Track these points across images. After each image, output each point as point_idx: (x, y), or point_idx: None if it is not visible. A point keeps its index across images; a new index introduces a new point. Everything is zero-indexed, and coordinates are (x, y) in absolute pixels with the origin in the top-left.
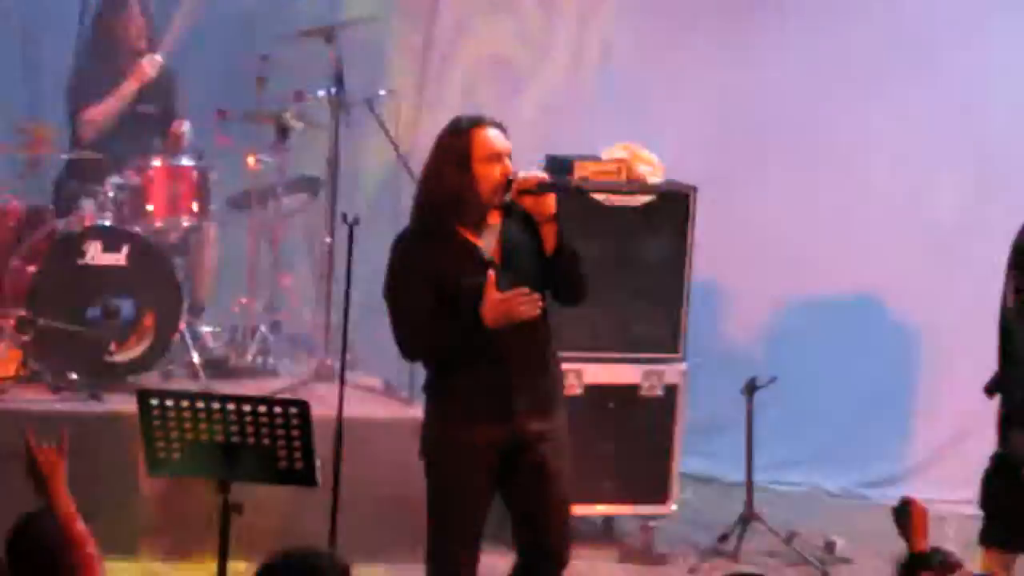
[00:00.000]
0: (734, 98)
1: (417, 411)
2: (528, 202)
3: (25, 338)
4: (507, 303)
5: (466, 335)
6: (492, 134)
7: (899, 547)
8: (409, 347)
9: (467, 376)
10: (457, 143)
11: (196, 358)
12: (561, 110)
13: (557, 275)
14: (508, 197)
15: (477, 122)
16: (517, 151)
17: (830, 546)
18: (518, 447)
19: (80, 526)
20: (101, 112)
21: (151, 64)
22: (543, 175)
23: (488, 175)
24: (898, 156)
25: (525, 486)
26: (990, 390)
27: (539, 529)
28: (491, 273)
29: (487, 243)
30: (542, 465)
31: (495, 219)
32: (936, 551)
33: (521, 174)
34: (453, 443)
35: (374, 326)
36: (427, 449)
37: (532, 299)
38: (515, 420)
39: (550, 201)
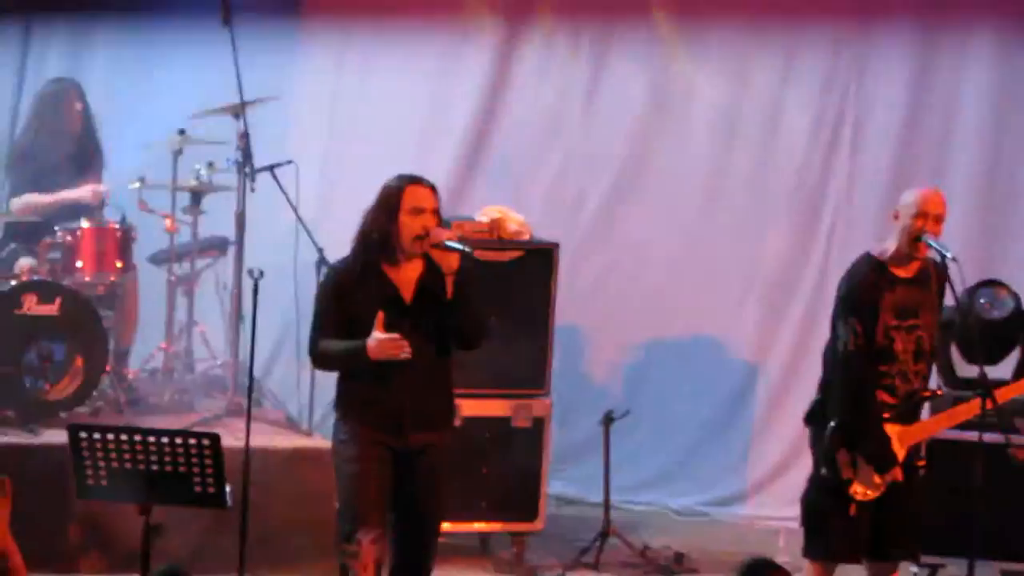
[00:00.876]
0: (590, 160)
1: (317, 441)
2: (436, 255)
3: None
4: (383, 344)
5: (352, 358)
6: (420, 191)
7: (736, 558)
8: (310, 349)
9: (365, 390)
10: (392, 194)
11: (121, 396)
12: (439, 175)
13: (451, 321)
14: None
15: (411, 180)
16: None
17: (679, 557)
18: (407, 456)
19: (18, 559)
20: (36, 205)
21: (95, 193)
22: (449, 234)
23: (409, 225)
24: (735, 213)
25: (408, 493)
26: (808, 419)
27: (412, 535)
28: (380, 314)
29: (406, 284)
30: (426, 476)
31: (418, 266)
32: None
33: (434, 232)
34: (354, 437)
35: (278, 367)
36: (336, 446)
37: (402, 344)
38: (402, 434)
39: (452, 259)
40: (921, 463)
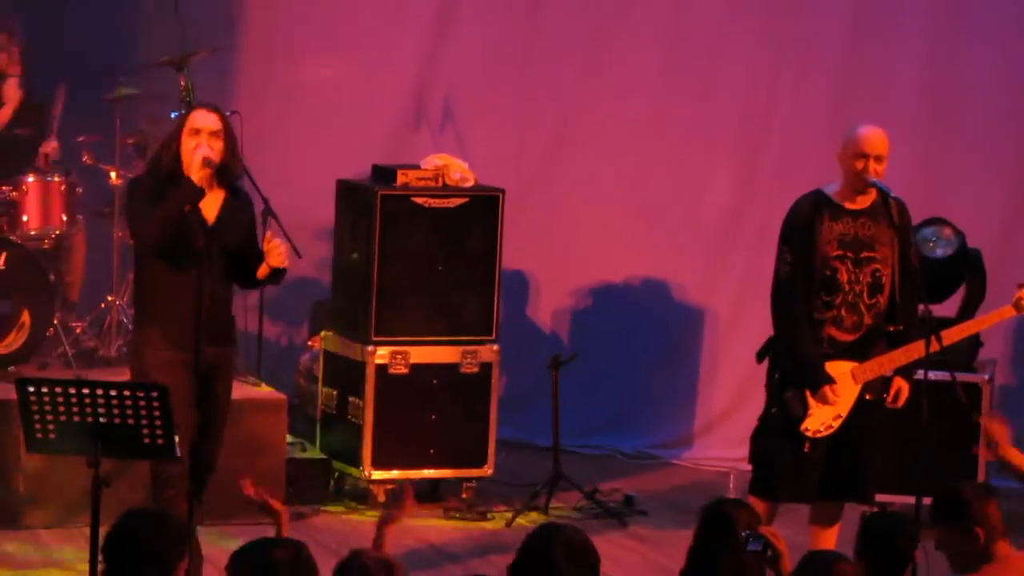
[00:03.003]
0: (532, 106)
1: (265, 392)
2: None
3: None
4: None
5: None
6: (199, 114)
7: (686, 500)
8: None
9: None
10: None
11: (68, 350)
12: (383, 125)
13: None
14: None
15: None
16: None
17: (629, 500)
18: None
19: None
20: None
21: (15, 88)
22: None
23: (187, 144)
24: (677, 157)
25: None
26: (760, 355)
27: (204, 441)
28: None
29: (208, 207)
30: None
31: (219, 196)
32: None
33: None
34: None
35: None
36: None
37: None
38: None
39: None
40: (891, 400)
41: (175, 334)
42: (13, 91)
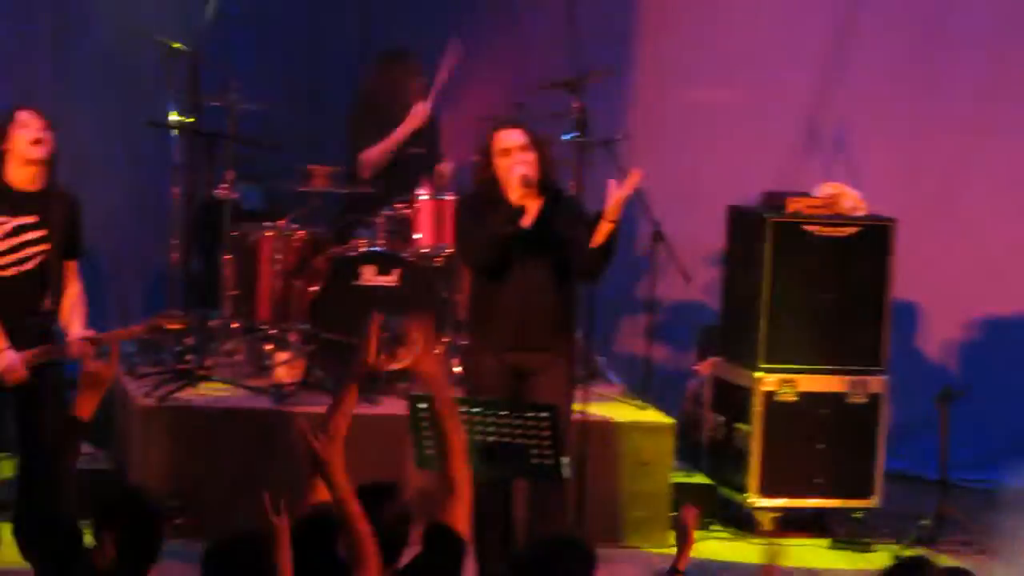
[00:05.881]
0: (925, 133)
1: (650, 416)
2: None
3: (309, 349)
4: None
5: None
6: (503, 134)
7: None
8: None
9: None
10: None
11: (454, 369)
12: (774, 151)
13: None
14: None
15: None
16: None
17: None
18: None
19: (365, 524)
20: (377, 154)
21: (423, 110)
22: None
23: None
24: None
25: None
26: None
27: None
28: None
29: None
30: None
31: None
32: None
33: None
34: None
35: (617, 339)
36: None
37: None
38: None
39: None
40: None
41: (498, 341)
42: (416, 114)
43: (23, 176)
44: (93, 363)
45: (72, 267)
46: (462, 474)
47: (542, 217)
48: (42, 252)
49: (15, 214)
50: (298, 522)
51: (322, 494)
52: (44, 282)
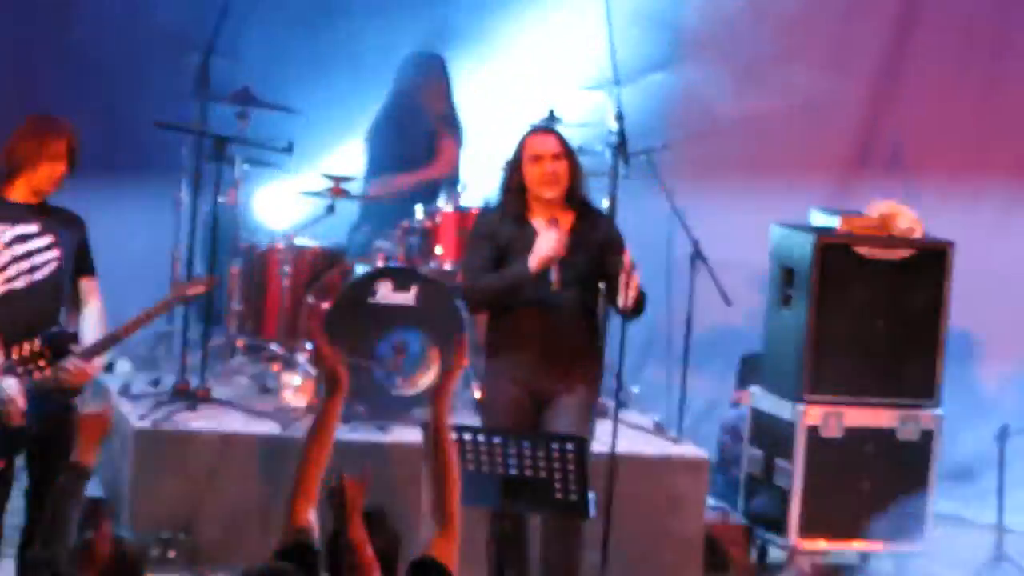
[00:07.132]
0: (989, 151)
1: (684, 450)
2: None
3: (318, 371)
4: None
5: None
6: (537, 139)
7: None
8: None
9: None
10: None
11: (476, 393)
12: (825, 167)
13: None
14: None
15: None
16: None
17: None
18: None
19: (370, 551)
20: (398, 185)
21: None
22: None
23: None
24: None
25: None
26: None
27: None
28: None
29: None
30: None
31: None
32: None
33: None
34: None
35: (646, 371)
36: None
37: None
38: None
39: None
40: None
41: (517, 371)
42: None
43: (25, 194)
44: (90, 408)
45: (92, 285)
46: (454, 508)
47: (573, 237)
48: (52, 260)
49: (14, 223)
50: (281, 547)
51: (302, 519)
52: (57, 295)
